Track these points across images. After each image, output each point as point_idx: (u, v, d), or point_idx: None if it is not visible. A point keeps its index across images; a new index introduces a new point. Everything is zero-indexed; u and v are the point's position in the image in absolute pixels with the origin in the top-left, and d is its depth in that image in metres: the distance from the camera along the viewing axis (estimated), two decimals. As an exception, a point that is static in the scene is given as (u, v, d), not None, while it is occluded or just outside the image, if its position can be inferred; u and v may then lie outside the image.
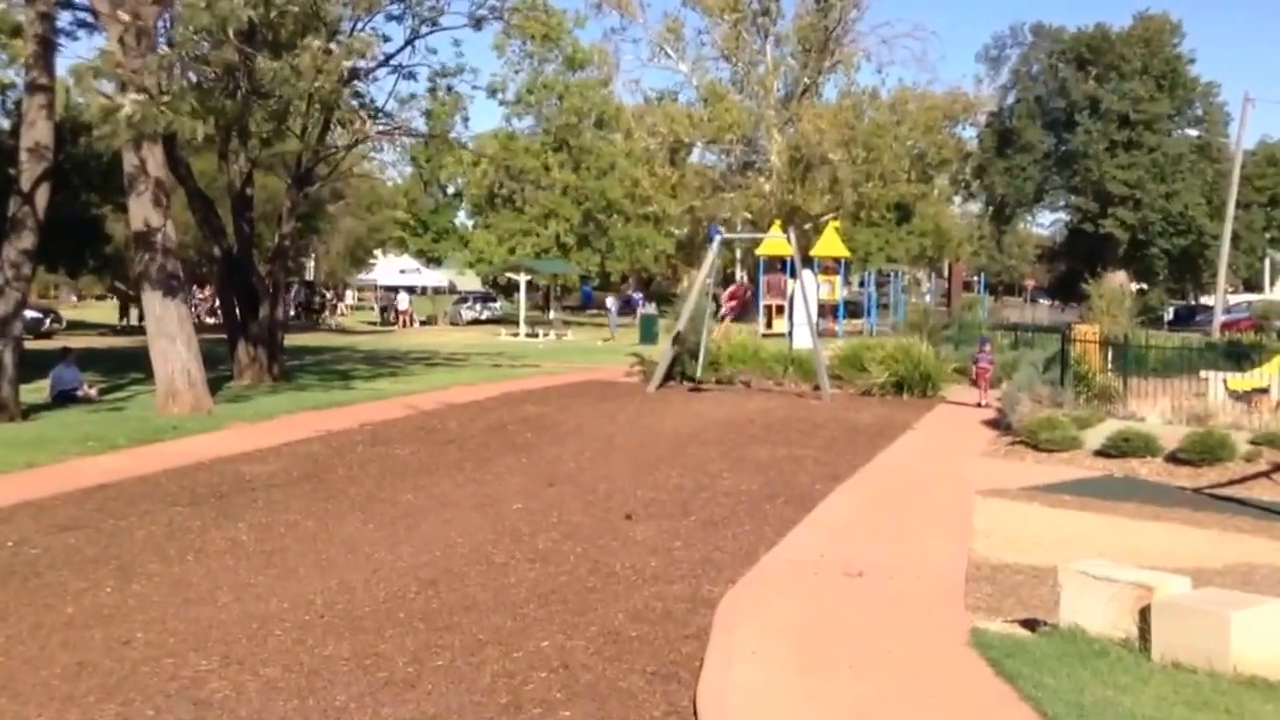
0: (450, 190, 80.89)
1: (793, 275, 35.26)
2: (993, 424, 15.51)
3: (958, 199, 73.04)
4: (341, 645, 5.96)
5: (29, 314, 22.38)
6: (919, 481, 11.33)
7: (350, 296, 66.69)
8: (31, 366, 17.97)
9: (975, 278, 58.74)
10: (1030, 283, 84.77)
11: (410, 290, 57.17)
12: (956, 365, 21.25)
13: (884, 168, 58.49)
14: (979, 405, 17.75)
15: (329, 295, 61.16)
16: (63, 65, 18.70)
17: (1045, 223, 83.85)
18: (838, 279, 42.66)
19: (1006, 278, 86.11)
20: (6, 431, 14.10)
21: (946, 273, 56.44)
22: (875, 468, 12.05)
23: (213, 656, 5.77)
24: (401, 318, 52.64)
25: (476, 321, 53.21)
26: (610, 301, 49.78)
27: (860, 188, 58.26)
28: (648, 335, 35.63)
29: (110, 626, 6.27)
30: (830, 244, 42.88)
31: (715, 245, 20.85)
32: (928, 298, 50.26)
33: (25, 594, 6.90)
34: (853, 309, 46.78)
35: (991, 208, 73.19)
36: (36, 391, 18.01)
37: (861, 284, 53.22)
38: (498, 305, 55.85)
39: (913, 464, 12.40)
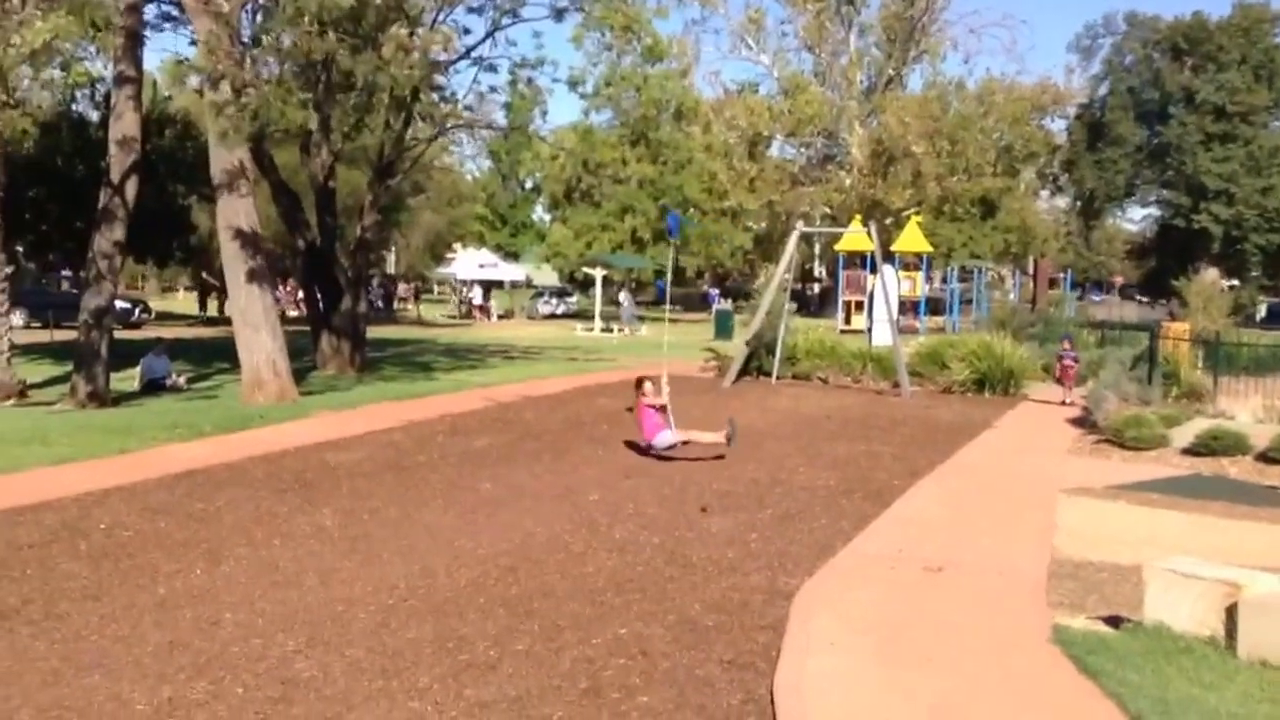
0: (528, 184, 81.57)
1: (873, 271, 35.07)
2: (1078, 422, 15.34)
3: (1044, 193, 71.99)
4: (424, 628, 6.13)
5: (119, 305, 23.01)
6: (1000, 479, 11.25)
7: (427, 290, 67.43)
8: (121, 356, 18.55)
9: (1061, 274, 57.74)
10: (1118, 279, 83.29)
11: (485, 285, 57.56)
12: (1041, 363, 21.01)
13: (969, 161, 57.84)
14: (1064, 403, 17.55)
15: (408, 288, 61.94)
16: (149, 60, 19.24)
17: (1135, 218, 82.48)
18: (919, 275, 42.27)
19: (1094, 274, 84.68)
20: (99, 418, 14.59)
21: (1031, 269, 55.61)
22: (955, 464, 11.99)
23: (299, 637, 5.96)
24: (475, 311, 53.09)
25: (552, 316, 53.53)
26: (623, 296, 49.62)
27: (944, 181, 57.65)
28: (723, 330, 35.69)
29: (200, 607, 6.50)
30: (912, 239, 42.50)
31: (791, 241, 20.78)
32: (1012, 295, 49.53)
33: (118, 575, 7.16)
34: (934, 306, 46.29)
35: (1079, 202, 72.08)
36: (126, 380, 18.59)
37: (944, 280, 52.57)
38: (573, 300, 56.14)
39: (994, 461, 12.32)
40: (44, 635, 5.98)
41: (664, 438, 11.83)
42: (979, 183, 58.44)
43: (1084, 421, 15.07)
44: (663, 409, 12.12)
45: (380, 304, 48.16)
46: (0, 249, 18.04)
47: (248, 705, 5.03)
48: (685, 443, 11.92)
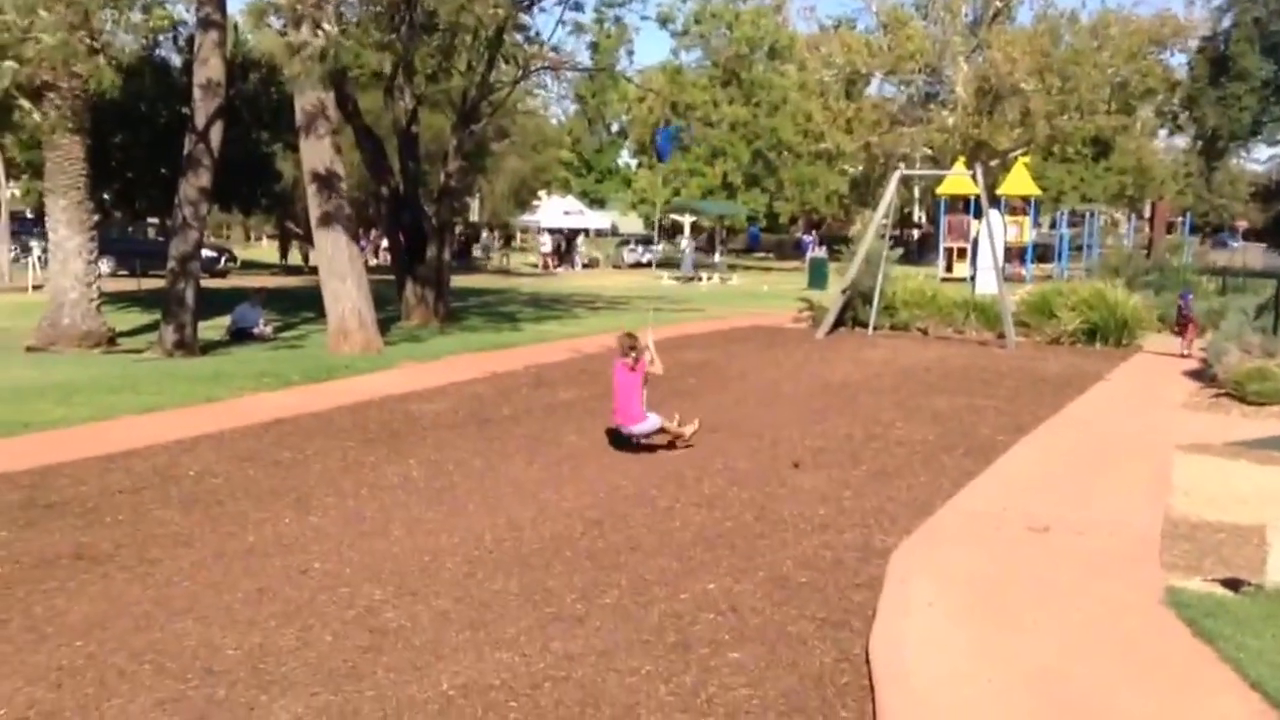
0: (614, 128, 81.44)
1: (977, 216, 34.54)
2: (1196, 375, 15.04)
3: (1163, 132, 70.06)
4: (510, 580, 6.27)
5: (205, 253, 23.57)
6: (1112, 434, 11.07)
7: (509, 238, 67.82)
8: (208, 305, 19.04)
9: (1180, 218, 56.25)
10: (1242, 224, 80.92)
11: (562, 233, 57.66)
12: (1157, 312, 20.59)
13: (1081, 98, 56.42)
14: (1182, 355, 17.21)
15: (492, 236, 62.38)
16: (232, 3, 19.56)
17: (1261, 158, 79.94)
18: (1026, 220, 41.51)
19: (1215, 218, 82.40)
20: (186, 367, 15.02)
21: (1148, 213, 54.28)
22: (1063, 419, 11.83)
23: (387, 587, 6.13)
24: (544, 261, 53.24)
25: (638, 265, 53.59)
26: (685, 243, 49.31)
27: (1054, 120, 56.34)
28: (817, 279, 35.45)
29: (289, 555, 6.71)
30: (1019, 182, 41.66)
31: (890, 185, 20.52)
32: (1126, 240, 48.39)
33: (209, 522, 7.42)
34: (1042, 252, 45.45)
35: (1201, 142, 69.77)
36: (212, 329, 19.08)
37: (1053, 225, 51.53)
38: (659, 248, 56.12)
39: (1105, 416, 12.13)
40: (137, 580, 6.23)
41: (652, 421, 9.87)
42: (1092, 121, 57.02)
43: (1202, 374, 14.77)
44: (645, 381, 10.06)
45: (461, 253, 48.62)
46: (88, 196, 18.57)
47: (337, 653, 5.20)
48: (660, 431, 9.99)
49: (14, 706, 4.63)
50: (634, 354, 9.84)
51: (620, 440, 9.94)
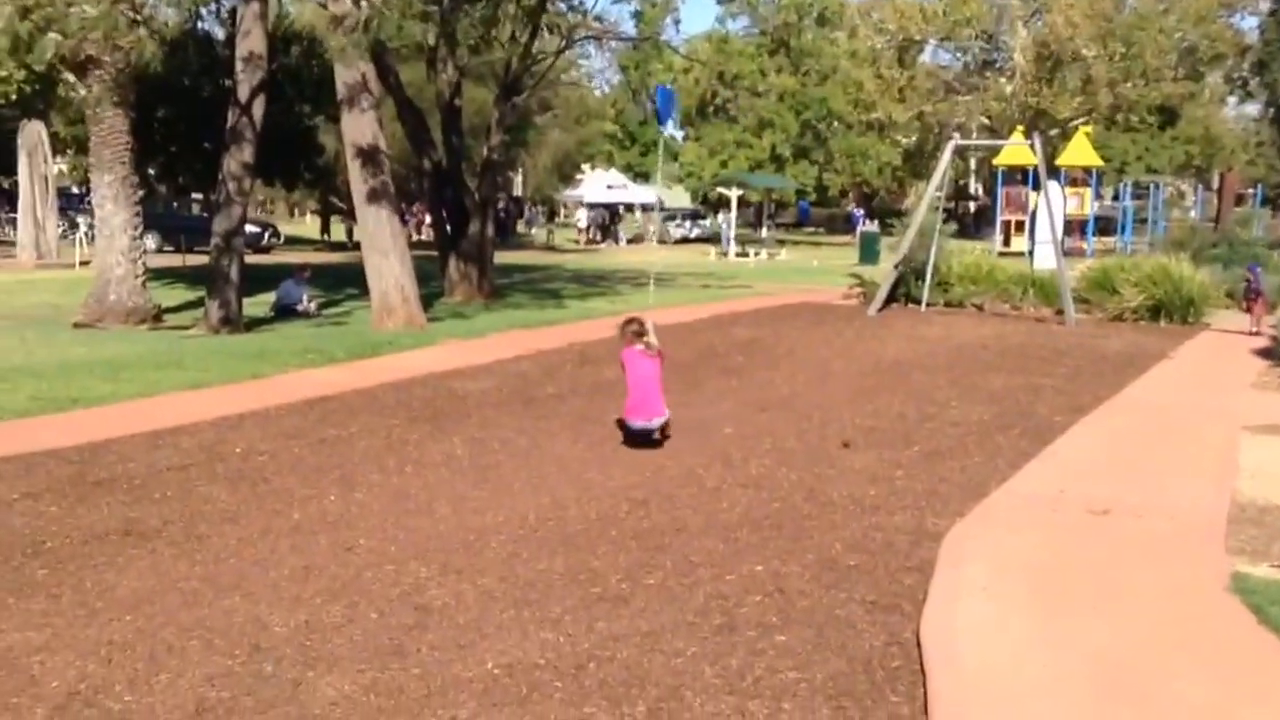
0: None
1: (1035, 187, 34.20)
2: (1265, 354, 14.89)
3: (1232, 100, 68.84)
4: (555, 560, 6.35)
5: (249, 229, 23.84)
6: (1175, 415, 10.98)
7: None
8: (252, 281, 19.29)
9: (1251, 190, 55.36)
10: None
11: (602, 208, 57.63)
12: (1225, 288, 20.34)
13: (1146, 64, 55.56)
14: (1250, 333, 17.02)
15: (536, 210, 62.50)
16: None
17: (1336, 127, 78.27)
18: (1088, 191, 41.06)
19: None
20: (232, 343, 15.27)
21: (1216, 184, 53.49)
22: (1125, 399, 11.74)
23: (432, 565, 6.23)
24: (581, 236, 53.24)
25: (685, 240, 53.56)
26: (722, 217, 49.13)
27: (1117, 88, 55.55)
28: (868, 254, 35.31)
29: (335, 533, 6.83)
30: (1080, 152, 41.21)
31: (944, 155, 20.39)
32: (1193, 213, 47.76)
33: (254, 499, 7.56)
34: (1104, 225, 44.93)
35: (1272, 109, 68.54)
36: (257, 306, 19.33)
37: (1115, 197, 50.91)
38: (706, 223, 56.05)
39: (1168, 396, 12.04)
40: (185, 556, 6.37)
41: (665, 412, 9.34)
42: (1157, 88, 56.14)
43: (1272, 353, 14.61)
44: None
45: (504, 229, 48.83)
46: (132, 171, 18.84)
47: (382, 631, 5.30)
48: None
49: (66, 680, 4.77)
50: (646, 340, 9.33)
51: (638, 439, 9.19)
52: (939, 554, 6.49)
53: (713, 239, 49.33)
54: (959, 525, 7.08)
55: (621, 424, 9.48)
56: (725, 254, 42.34)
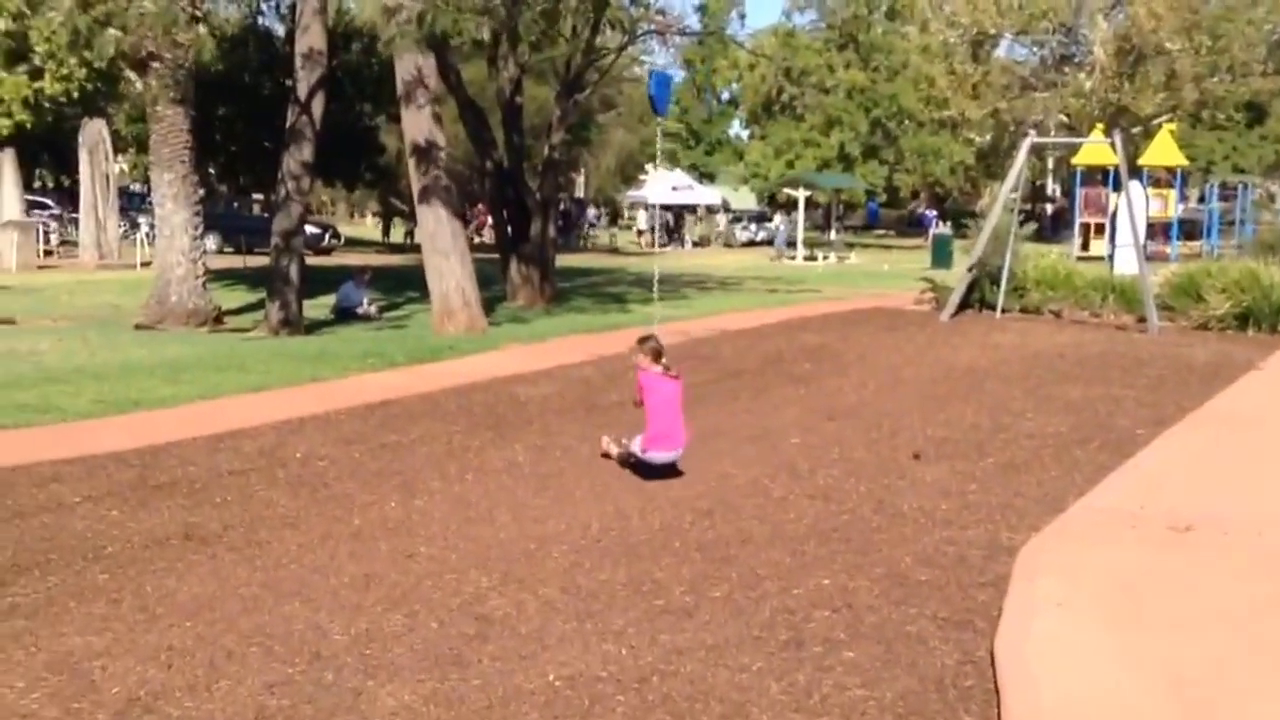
0: (725, 97, 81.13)
1: (1116, 188, 33.74)
2: (1359, 365, 14.60)
3: (1327, 95, 67.48)
4: (618, 571, 6.39)
5: (309, 230, 24.13)
6: (1264, 429, 10.79)
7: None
8: (312, 283, 19.54)
9: (1347, 191, 54.33)
10: None
11: (664, 209, 57.61)
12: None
13: (1233, 59, 54.61)
14: (1345, 343, 16.69)
15: (599, 213, 62.66)
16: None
17: None
18: (1172, 193, 40.39)
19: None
20: (292, 345, 15.50)
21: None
22: (1210, 412, 11.53)
23: (493, 574, 6.29)
24: (641, 239, 53.24)
25: (751, 243, 53.43)
26: (779, 218, 48.82)
27: (1203, 83, 54.62)
28: (941, 258, 35.05)
29: (395, 540, 6.92)
30: (1163, 151, 40.55)
31: (1021, 154, 20.15)
32: (1285, 215, 46.87)
33: (315, 504, 7.68)
34: (1189, 229, 44.18)
35: (1368, 106, 67.33)
36: (318, 308, 19.58)
37: (1201, 199, 50.11)
38: (773, 225, 55.91)
39: (1257, 408, 11.83)
40: (245, 562, 6.49)
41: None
42: (1245, 84, 55.13)
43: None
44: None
45: (567, 231, 49.03)
46: (193, 170, 19.14)
47: (443, 640, 5.37)
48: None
49: (126, 685, 4.87)
50: (665, 361, 8.71)
51: (658, 471, 8.51)
52: (1014, 569, 6.43)
53: (770, 242, 49.20)
54: (1034, 540, 7.02)
55: (626, 460, 8.70)
56: (779, 257, 42.18)
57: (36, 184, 51.61)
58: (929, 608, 5.90)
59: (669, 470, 8.55)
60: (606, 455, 9.00)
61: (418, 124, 17.76)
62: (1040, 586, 6.09)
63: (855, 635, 5.51)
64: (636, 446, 8.49)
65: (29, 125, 37.68)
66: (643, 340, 8.85)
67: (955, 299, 19.68)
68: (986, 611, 5.83)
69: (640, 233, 54.94)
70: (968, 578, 6.37)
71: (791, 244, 46.34)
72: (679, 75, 77.32)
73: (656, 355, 8.67)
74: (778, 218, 53.32)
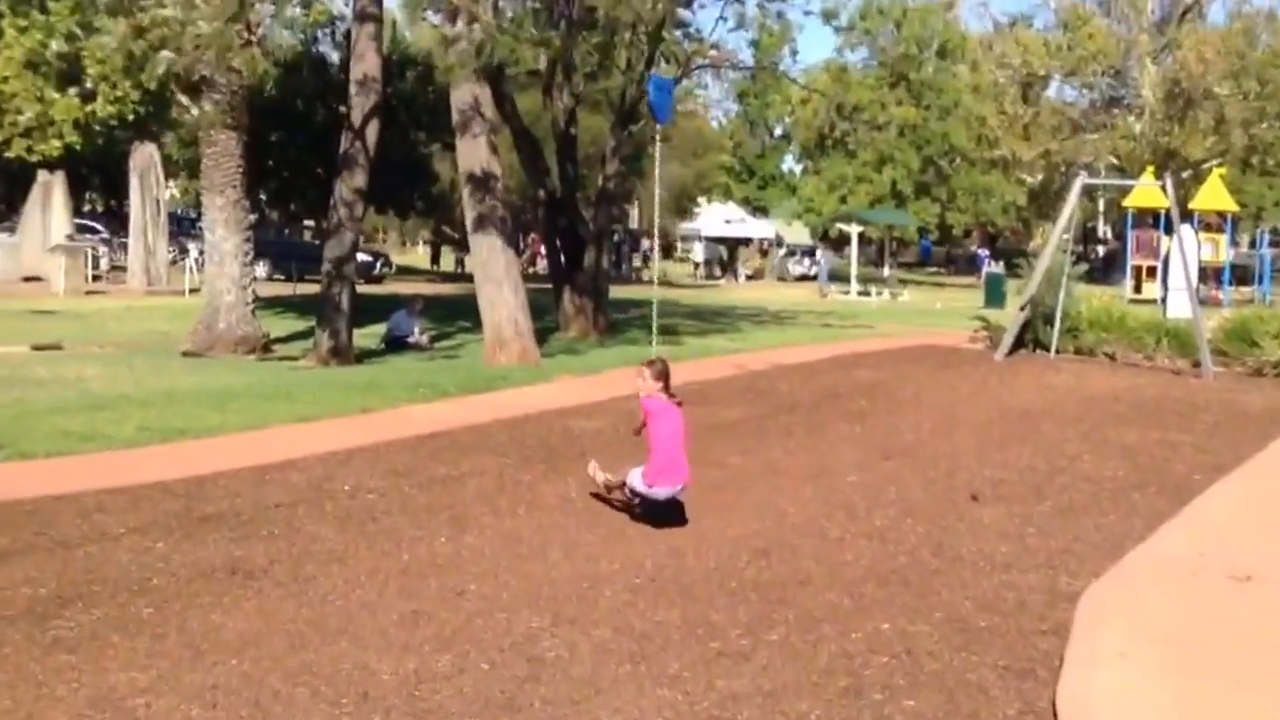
0: (777, 131, 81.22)
1: (1168, 232, 33.38)
2: None
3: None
4: (672, 611, 6.23)
5: (361, 258, 24.17)
6: (1322, 476, 10.57)
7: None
8: (363, 311, 19.53)
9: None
10: None
11: (715, 242, 57.59)
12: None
13: (1281, 105, 54.11)
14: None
15: (651, 244, 62.72)
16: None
17: None
18: (1223, 238, 39.98)
19: None
20: (342, 375, 15.45)
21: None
22: (1268, 458, 11.30)
23: (544, 614, 6.15)
24: (697, 272, 53.22)
25: (805, 277, 53.30)
26: (820, 254, 48.58)
27: (1252, 128, 54.14)
28: (994, 297, 34.81)
29: (444, 576, 6.79)
30: (1214, 196, 40.12)
31: (1073, 194, 19.88)
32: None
33: (363, 538, 7.56)
34: (1240, 274, 43.61)
35: None
36: (368, 337, 19.57)
37: (1252, 244, 49.50)
38: (816, 259, 55.74)
39: (1314, 456, 11.57)
40: (291, 598, 6.36)
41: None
42: (1293, 131, 54.53)
43: None
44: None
45: (620, 263, 49.06)
46: (244, 195, 19.15)
47: (493, 682, 5.23)
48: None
49: (171, 723, 4.76)
50: (655, 382, 8.18)
51: (662, 514, 8.04)
52: (1075, 617, 6.27)
53: (834, 277, 49.03)
54: (1095, 586, 6.86)
55: (628, 502, 8.17)
56: (825, 293, 42.02)
57: (85, 208, 52.05)
58: (990, 655, 5.74)
59: (675, 515, 8.04)
60: (598, 496, 8.52)
61: (474, 153, 17.76)
62: (1102, 635, 5.95)
63: (915, 683, 5.35)
64: (638, 481, 7.92)
65: (79, 148, 37.97)
66: (650, 362, 8.44)
67: (1009, 339, 19.45)
68: (1048, 660, 5.67)
69: (697, 265, 54.86)
70: (1028, 624, 6.21)
71: (834, 278, 46.20)
72: (733, 109, 77.46)
73: (662, 378, 8.22)
74: (818, 252, 53.11)
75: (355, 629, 5.89)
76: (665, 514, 7.99)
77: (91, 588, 6.40)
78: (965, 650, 5.79)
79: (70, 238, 34.33)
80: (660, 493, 7.90)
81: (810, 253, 58.42)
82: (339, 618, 6.05)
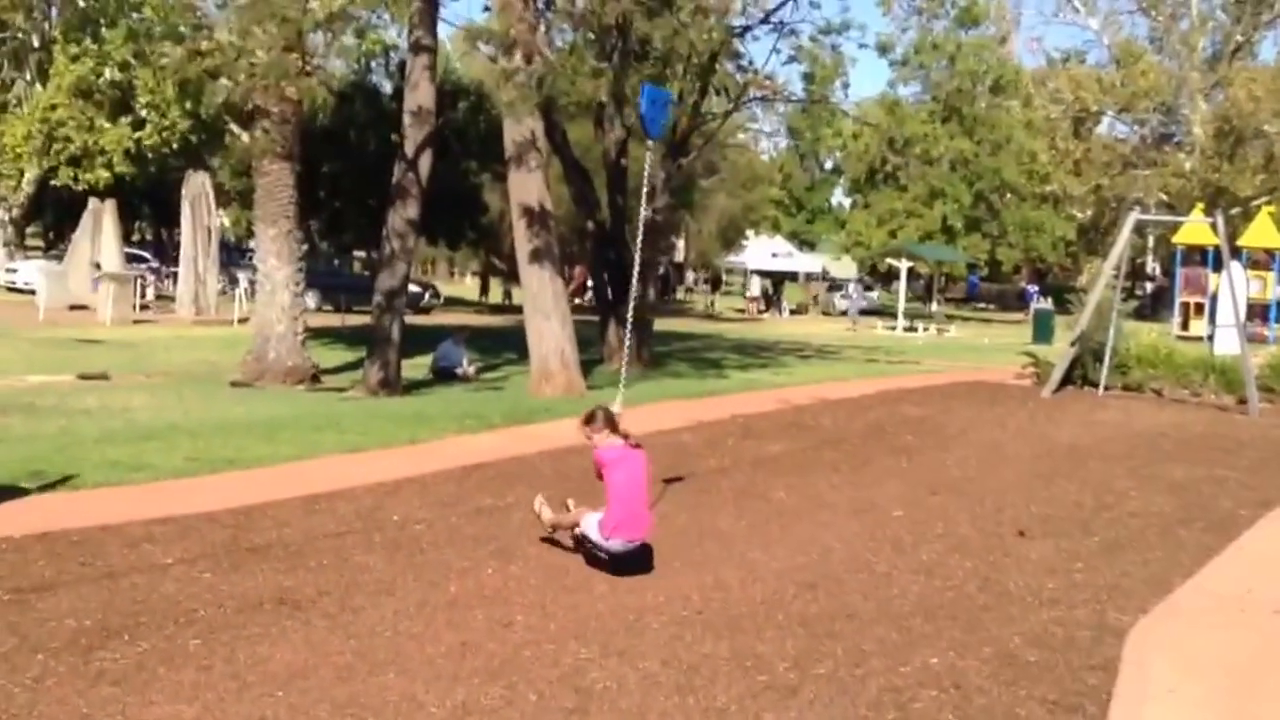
0: (828, 165, 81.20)
1: (1216, 268, 33.05)
2: None
3: None
4: (720, 644, 6.24)
5: (410, 288, 24.32)
6: (1373, 513, 10.42)
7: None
8: (411, 342, 19.62)
9: None
10: None
11: (766, 275, 57.52)
12: None
13: (1332, 141, 53.60)
14: None
15: (699, 277, 62.73)
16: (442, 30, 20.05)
17: None
18: (1271, 275, 39.52)
19: None
20: (390, 406, 15.55)
21: None
22: (1315, 495, 11.19)
23: (592, 645, 6.18)
24: (751, 305, 53.14)
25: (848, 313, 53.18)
26: (853, 288, 48.35)
27: (1301, 165, 53.61)
28: (1043, 333, 34.59)
29: (492, 608, 6.82)
30: (1263, 233, 39.78)
31: (1124, 230, 19.76)
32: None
33: (411, 570, 7.60)
34: (1287, 311, 43.09)
35: None
36: (416, 368, 19.68)
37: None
38: (875, 295, 55.49)
39: (1364, 492, 11.42)
40: (340, 629, 6.38)
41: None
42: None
43: None
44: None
45: (664, 296, 49.15)
46: (296, 226, 19.27)
47: (542, 713, 5.26)
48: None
49: (218, 756, 4.79)
50: (624, 429, 7.87)
51: (626, 566, 7.62)
52: (1123, 652, 6.27)
53: (879, 311, 48.86)
54: (1143, 622, 6.86)
55: (580, 543, 7.83)
56: (855, 327, 41.99)
57: (135, 236, 52.28)
58: (1038, 690, 5.72)
59: (639, 565, 7.63)
60: (547, 540, 8.18)
61: (527, 186, 17.82)
62: (1151, 670, 5.96)
63: (964, 717, 5.36)
64: (593, 529, 7.54)
65: (129, 178, 38.23)
66: (589, 417, 7.95)
67: (1057, 375, 19.32)
68: (1097, 695, 5.66)
69: (753, 300, 54.68)
70: (1077, 660, 6.19)
71: (865, 312, 46.04)
72: (783, 142, 77.46)
73: (611, 424, 7.79)
74: (850, 286, 52.89)
75: (403, 660, 5.92)
76: (625, 565, 7.56)
77: (138, 619, 6.41)
78: (1013, 685, 5.78)
79: (96, 267, 34.03)
80: (615, 545, 7.51)
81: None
82: (387, 649, 6.08)
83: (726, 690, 5.58)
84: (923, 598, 7.25)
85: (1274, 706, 5.52)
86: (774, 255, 60.27)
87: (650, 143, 12.01)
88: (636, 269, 12.56)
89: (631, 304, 11.92)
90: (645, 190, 11.91)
